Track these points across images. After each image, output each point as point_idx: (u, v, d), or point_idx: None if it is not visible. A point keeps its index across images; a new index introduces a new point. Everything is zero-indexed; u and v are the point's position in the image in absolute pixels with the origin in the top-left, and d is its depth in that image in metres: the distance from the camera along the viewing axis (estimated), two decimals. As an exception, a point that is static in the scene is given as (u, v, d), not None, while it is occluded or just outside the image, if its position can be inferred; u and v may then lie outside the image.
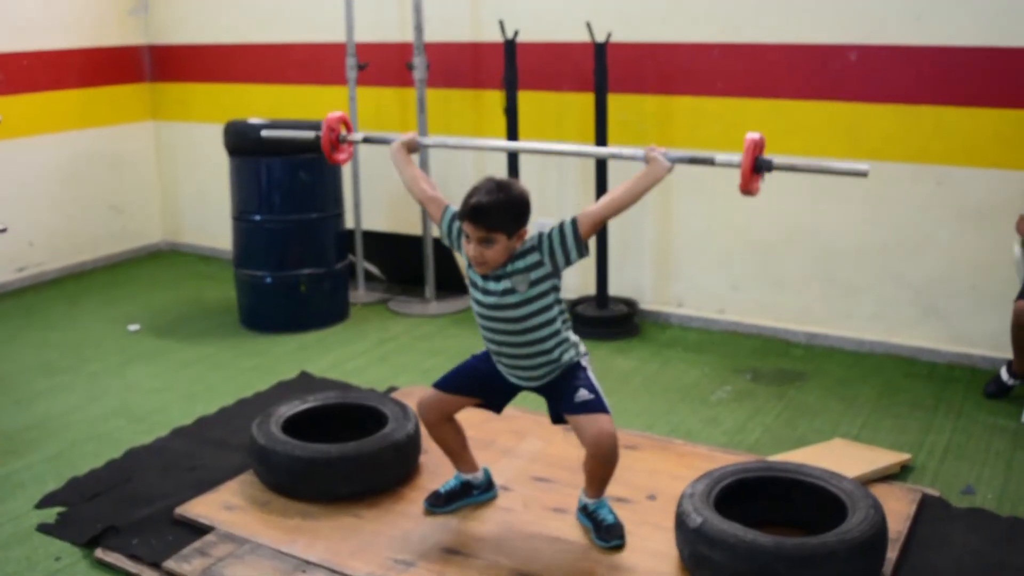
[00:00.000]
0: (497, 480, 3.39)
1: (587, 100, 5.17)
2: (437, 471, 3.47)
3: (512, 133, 5.26)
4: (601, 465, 2.98)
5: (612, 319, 5.21)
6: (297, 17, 6.29)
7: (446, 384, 3.15)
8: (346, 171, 5.71)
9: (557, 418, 3.08)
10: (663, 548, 2.99)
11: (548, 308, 2.92)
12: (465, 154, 5.82)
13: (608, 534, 3.03)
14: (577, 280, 5.59)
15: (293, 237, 5.29)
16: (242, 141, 5.22)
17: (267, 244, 5.30)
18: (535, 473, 3.50)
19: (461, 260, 2.99)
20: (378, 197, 6.14)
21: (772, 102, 4.91)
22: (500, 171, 5.48)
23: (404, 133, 3.28)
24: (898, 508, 3.19)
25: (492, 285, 2.91)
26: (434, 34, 5.65)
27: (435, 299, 5.74)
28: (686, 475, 3.29)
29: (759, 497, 3.05)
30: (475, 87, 5.71)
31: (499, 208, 2.79)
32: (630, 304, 5.36)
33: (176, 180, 7.15)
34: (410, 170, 3.19)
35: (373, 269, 6.21)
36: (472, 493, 3.30)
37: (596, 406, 2.95)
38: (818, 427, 4.04)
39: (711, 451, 3.70)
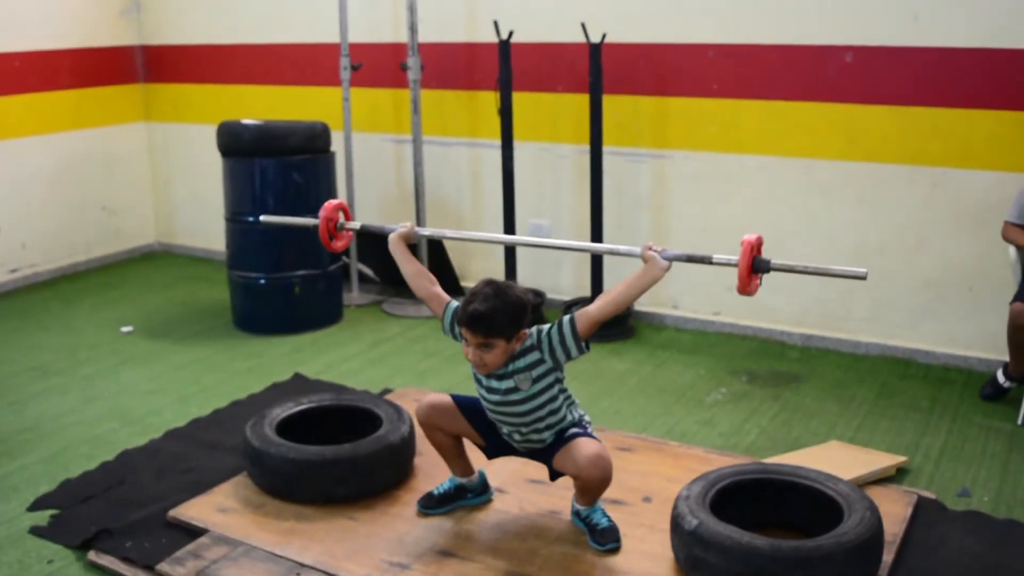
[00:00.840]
0: (492, 482, 3.37)
1: (582, 101, 5.17)
2: (432, 473, 3.46)
3: (507, 134, 5.25)
4: (594, 487, 3.01)
5: (607, 321, 5.19)
6: (291, 17, 6.28)
7: (464, 404, 3.15)
8: (340, 172, 5.69)
9: (555, 474, 3.09)
10: (659, 550, 2.98)
11: (553, 399, 2.97)
12: (460, 157, 5.81)
13: (603, 537, 3.02)
14: (572, 281, 5.59)
15: (287, 238, 5.27)
16: (235, 142, 5.21)
17: (261, 245, 5.28)
18: (529, 475, 3.48)
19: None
20: (372, 198, 6.13)
21: (768, 103, 4.91)
22: (495, 174, 5.47)
23: (402, 225, 3.26)
24: (894, 510, 3.18)
25: (495, 384, 2.95)
26: (428, 34, 5.64)
27: (430, 301, 5.72)
28: (682, 477, 3.28)
29: (755, 499, 3.04)
30: (469, 88, 5.70)
31: (496, 315, 2.82)
32: (625, 306, 5.34)
33: (169, 181, 7.13)
34: (410, 266, 3.19)
35: (367, 271, 6.20)
36: (466, 496, 3.29)
37: (582, 434, 3.00)
38: (814, 429, 4.04)
39: (707, 453, 3.69)
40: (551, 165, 5.53)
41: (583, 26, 4.95)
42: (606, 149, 5.16)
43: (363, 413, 3.61)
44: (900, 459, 3.61)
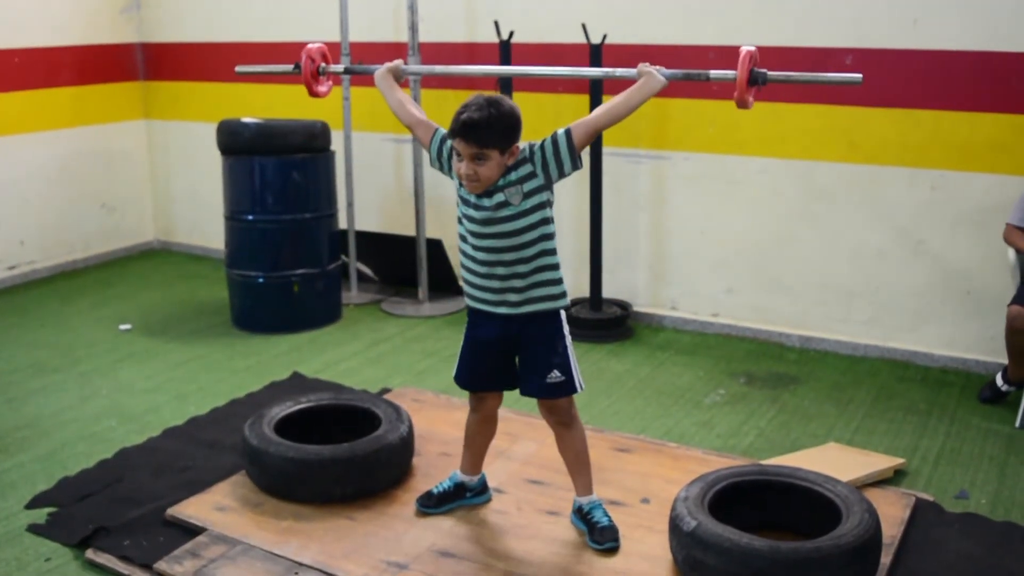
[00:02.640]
0: (491, 482, 3.37)
1: (582, 101, 5.16)
2: (430, 472, 3.46)
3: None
4: (571, 451, 3.04)
5: (606, 321, 5.20)
6: (291, 16, 6.28)
7: (466, 382, 3.12)
8: (339, 171, 5.69)
9: (526, 391, 3.03)
10: (657, 552, 2.98)
11: (545, 222, 2.86)
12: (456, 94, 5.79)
13: (602, 536, 3.02)
14: (571, 282, 5.57)
15: (286, 237, 5.27)
16: (235, 140, 5.20)
17: (260, 244, 5.28)
18: (528, 475, 3.49)
19: (453, 252, 2.96)
20: (371, 197, 6.13)
21: (768, 105, 4.90)
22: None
23: (388, 62, 3.19)
24: (892, 512, 3.19)
25: (485, 201, 2.83)
26: (429, 34, 5.64)
27: (428, 300, 5.73)
28: (680, 479, 3.28)
29: (753, 501, 3.04)
30: (470, 88, 5.68)
31: (491, 123, 2.72)
32: (624, 307, 5.35)
33: (168, 179, 7.13)
34: (396, 94, 3.12)
35: (366, 270, 6.20)
36: (465, 496, 3.28)
37: (562, 389, 2.95)
38: (812, 431, 4.04)
39: (705, 455, 3.69)
40: (553, 103, 5.47)
41: (583, 27, 4.95)
42: (605, 150, 5.16)
43: (362, 412, 3.61)
44: (898, 461, 3.61)
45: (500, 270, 2.88)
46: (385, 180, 6.15)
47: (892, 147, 4.68)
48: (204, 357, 4.95)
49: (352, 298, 5.86)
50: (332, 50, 5.76)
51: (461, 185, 2.86)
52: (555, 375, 2.94)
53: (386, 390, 4.40)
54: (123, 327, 5.42)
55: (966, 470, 3.68)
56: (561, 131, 2.82)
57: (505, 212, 2.82)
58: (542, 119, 5.48)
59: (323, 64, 3.32)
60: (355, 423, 3.56)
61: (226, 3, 6.54)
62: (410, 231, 5.80)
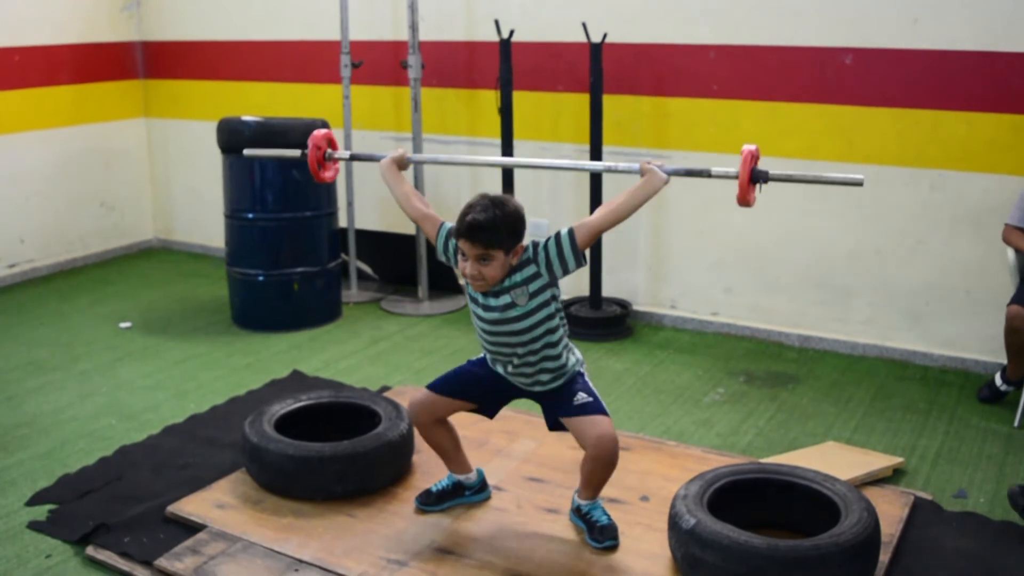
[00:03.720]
0: (490, 480, 3.38)
1: (582, 100, 5.17)
2: (430, 470, 3.46)
3: (507, 133, 5.26)
4: (601, 468, 2.98)
5: (605, 320, 5.21)
6: (291, 14, 6.28)
7: (440, 387, 3.13)
8: (339, 169, 5.69)
9: (554, 424, 3.06)
10: (656, 549, 2.98)
11: (551, 317, 2.92)
12: (459, 149, 5.81)
13: (602, 535, 3.02)
14: (570, 281, 5.58)
15: (286, 235, 5.28)
16: (235, 139, 5.20)
17: (260, 242, 5.28)
18: (528, 473, 3.50)
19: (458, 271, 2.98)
20: (371, 196, 6.13)
21: (767, 104, 4.92)
22: (495, 173, 5.48)
23: (393, 151, 3.24)
24: (891, 511, 3.20)
25: (492, 301, 2.91)
26: (429, 33, 5.64)
27: (428, 299, 5.73)
28: (679, 477, 3.29)
29: (752, 499, 3.05)
30: (470, 87, 5.70)
31: (496, 225, 2.76)
32: (623, 305, 5.36)
33: (168, 177, 7.13)
34: (401, 187, 3.16)
35: (366, 268, 6.20)
36: (464, 494, 3.29)
37: (595, 408, 2.96)
38: (811, 430, 4.04)
39: (704, 453, 3.70)
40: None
41: (584, 26, 4.95)
42: (606, 149, 5.16)
43: (362, 410, 3.61)
44: (897, 460, 3.62)
45: (514, 360, 2.98)
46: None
47: (891, 147, 4.68)
48: (204, 355, 4.96)
49: (352, 296, 5.87)
50: (332, 48, 5.81)
51: (468, 284, 2.93)
52: (581, 397, 2.97)
53: (386, 388, 4.41)
54: (123, 325, 5.42)
55: (965, 469, 3.69)
56: (564, 231, 2.86)
57: (513, 313, 2.89)
58: (541, 118, 5.49)
59: (329, 151, 3.39)
60: (355, 421, 3.57)
61: (226, 1, 6.54)
62: (410, 230, 5.81)
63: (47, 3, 6.31)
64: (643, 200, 2.84)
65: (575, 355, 3.05)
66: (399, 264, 5.97)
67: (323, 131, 3.39)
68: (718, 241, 5.19)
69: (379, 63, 5.89)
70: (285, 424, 3.51)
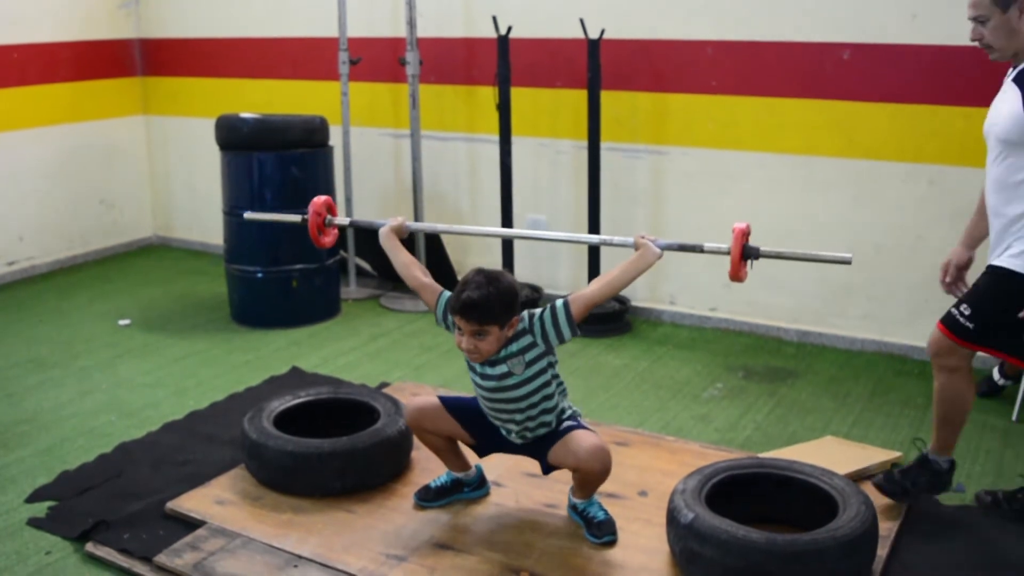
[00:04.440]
0: (489, 476, 3.38)
1: (580, 97, 5.17)
2: (429, 466, 3.47)
3: (505, 129, 5.26)
4: (595, 479, 3.01)
5: (604, 316, 5.21)
6: (290, 11, 6.28)
7: (452, 405, 3.16)
8: (338, 167, 5.70)
9: (548, 469, 3.09)
10: (654, 544, 2.99)
11: (547, 384, 2.97)
12: (458, 152, 5.82)
13: (600, 530, 3.03)
14: (569, 277, 5.60)
15: (285, 232, 5.26)
16: (233, 136, 5.21)
17: (258, 239, 5.28)
18: (526, 469, 3.49)
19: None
20: (370, 192, 6.13)
21: (766, 100, 4.92)
22: (493, 169, 5.48)
23: (392, 219, 3.27)
24: (888, 506, 3.20)
25: (489, 370, 2.95)
26: (427, 29, 5.64)
27: (427, 295, 5.73)
28: (677, 472, 3.29)
29: (751, 494, 3.05)
30: (468, 83, 5.70)
31: (490, 302, 2.82)
32: (622, 301, 5.36)
33: (167, 174, 7.13)
34: (401, 256, 3.19)
35: (365, 265, 6.20)
36: (463, 490, 3.30)
37: (577, 427, 3.01)
38: (810, 425, 4.05)
39: (703, 448, 3.70)
40: (549, 160, 5.54)
41: (582, 22, 4.95)
42: (604, 145, 5.17)
43: (361, 406, 3.62)
44: (895, 454, 3.63)
45: (513, 426, 3.04)
46: (384, 175, 6.16)
47: (890, 142, 4.68)
48: (203, 352, 4.96)
49: (351, 293, 5.87)
50: (330, 45, 5.81)
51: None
52: (565, 425, 3.03)
53: (385, 384, 4.41)
54: (122, 322, 5.43)
55: (963, 464, 3.68)
56: (559, 303, 2.91)
57: (510, 381, 2.94)
58: (540, 114, 5.49)
59: (329, 217, 3.41)
60: (354, 417, 3.58)
61: (224, -1, 6.55)
62: (409, 226, 5.80)
63: (45, 1, 6.31)
64: (637, 274, 2.94)
65: (571, 410, 3.09)
66: (398, 261, 5.96)
67: (323, 197, 3.41)
68: (717, 237, 5.17)
69: (377, 60, 5.89)
70: (284, 421, 3.51)
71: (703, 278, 5.26)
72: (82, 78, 6.61)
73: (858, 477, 3.40)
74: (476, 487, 3.32)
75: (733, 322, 5.23)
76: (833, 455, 3.54)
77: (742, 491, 3.03)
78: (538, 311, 2.95)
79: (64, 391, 4.45)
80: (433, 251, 5.70)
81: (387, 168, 6.14)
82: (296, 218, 3.43)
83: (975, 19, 2.96)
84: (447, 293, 3.03)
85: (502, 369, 2.94)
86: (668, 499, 2.93)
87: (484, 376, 2.98)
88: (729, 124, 5.03)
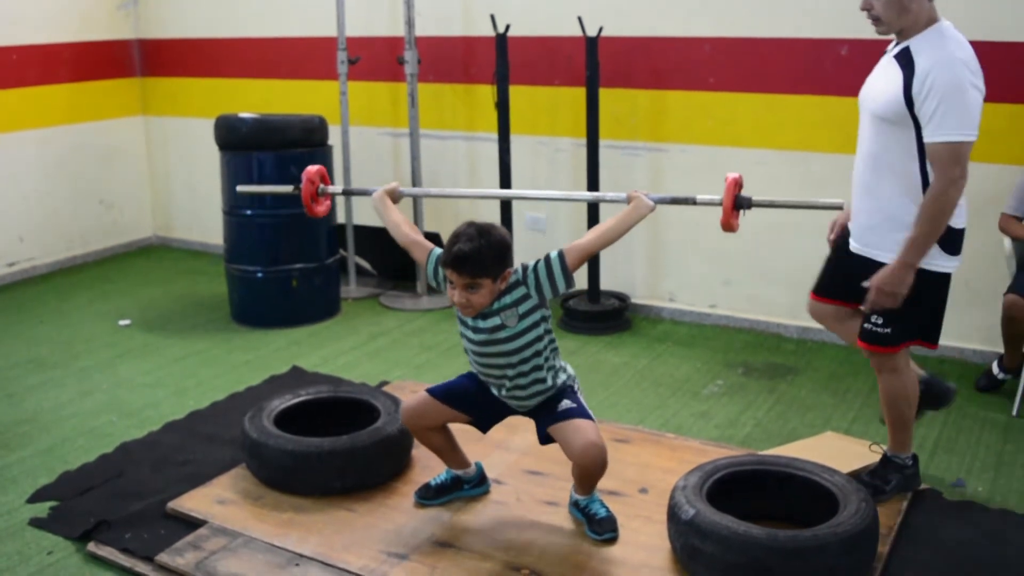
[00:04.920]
0: (489, 473, 3.39)
1: (579, 94, 5.17)
2: (429, 464, 3.47)
3: (503, 127, 5.26)
4: (591, 475, 3.02)
5: (604, 313, 5.22)
6: (288, 11, 6.28)
7: (440, 393, 3.15)
8: (337, 166, 5.70)
9: (545, 438, 3.07)
10: (655, 541, 2.99)
11: (539, 339, 2.95)
12: (457, 150, 5.82)
13: (601, 527, 3.03)
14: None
15: (284, 232, 5.28)
16: (233, 135, 5.21)
17: (258, 239, 5.29)
18: (527, 466, 3.50)
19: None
20: (370, 192, 6.13)
21: (764, 96, 4.92)
22: (492, 168, 5.48)
23: (386, 184, 3.27)
24: (889, 502, 3.20)
25: (481, 323, 2.93)
26: (425, 28, 5.64)
27: (426, 294, 5.74)
28: (678, 469, 3.30)
29: (751, 491, 3.06)
30: (467, 81, 5.71)
31: (482, 254, 2.80)
32: (622, 298, 5.36)
33: (167, 174, 7.14)
34: (392, 216, 3.19)
35: (364, 264, 6.21)
36: (463, 487, 3.30)
37: (578, 413, 2.97)
38: (810, 421, 4.05)
39: (703, 445, 3.71)
40: (548, 159, 5.54)
41: (580, 20, 4.96)
42: (603, 142, 5.17)
43: (361, 405, 3.62)
44: (895, 450, 3.63)
45: (506, 383, 3.00)
46: (383, 174, 6.15)
47: (888, 138, 4.68)
48: (203, 352, 4.96)
49: (351, 292, 5.87)
50: (329, 45, 5.81)
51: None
52: (565, 403, 3.00)
53: (385, 383, 4.41)
54: (122, 323, 5.43)
55: (963, 458, 3.70)
56: (554, 254, 2.90)
57: (502, 334, 2.91)
58: (538, 112, 5.50)
59: (322, 185, 3.41)
60: (354, 416, 3.58)
61: (223, -2, 6.55)
62: (408, 225, 5.80)
63: (45, 1, 6.31)
64: (630, 225, 2.96)
65: (567, 372, 3.08)
66: (397, 260, 5.96)
67: (316, 167, 3.41)
68: (715, 233, 5.16)
69: (376, 59, 5.89)
70: (285, 420, 3.51)
71: (702, 275, 5.26)
72: (81, 79, 6.62)
73: (858, 474, 3.40)
74: (476, 484, 3.32)
75: (733, 319, 5.23)
76: (833, 451, 3.53)
77: (743, 488, 3.04)
78: (532, 262, 2.92)
79: (65, 391, 4.46)
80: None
81: (386, 167, 6.14)
82: (289, 188, 3.43)
83: None
84: (438, 250, 3.00)
85: (495, 321, 2.90)
86: (669, 496, 2.93)
87: (476, 330, 2.94)
88: (728, 121, 5.03)
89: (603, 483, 3.14)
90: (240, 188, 3.76)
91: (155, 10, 6.85)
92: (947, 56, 2.86)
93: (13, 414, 4.21)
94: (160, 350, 5.00)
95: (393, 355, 4.89)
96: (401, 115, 5.90)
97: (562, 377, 3.05)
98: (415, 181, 5.60)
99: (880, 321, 3.08)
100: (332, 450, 3.28)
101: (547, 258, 2.90)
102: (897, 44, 3.04)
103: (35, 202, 6.40)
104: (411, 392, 4.11)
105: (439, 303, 5.63)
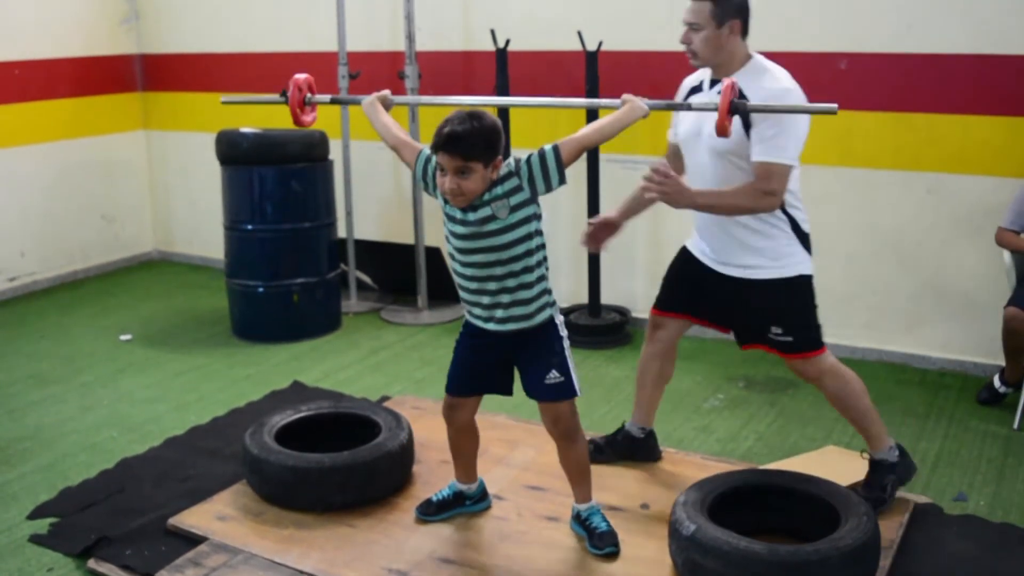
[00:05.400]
0: (490, 489, 3.38)
1: (578, 115, 5.18)
2: (430, 480, 3.47)
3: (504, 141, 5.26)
4: (570, 470, 3.07)
5: (604, 327, 5.22)
6: (289, 26, 6.30)
7: (451, 388, 3.14)
8: (338, 180, 5.71)
9: (528, 390, 3.03)
10: (657, 556, 2.99)
11: (529, 237, 2.84)
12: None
13: (602, 541, 3.03)
14: (570, 288, 5.60)
15: (285, 246, 5.29)
16: (234, 150, 5.22)
17: (259, 253, 5.30)
18: (528, 482, 3.50)
19: (438, 201, 2.93)
20: (370, 206, 6.15)
21: (763, 110, 4.92)
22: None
23: (378, 92, 3.24)
24: (891, 515, 3.20)
25: (471, 215, 2.82)
26: (426, 43, 5.66)
27: (427, 308, 5.74)
28: (679, 484, 3.30)
29: (753, 505, 3.05)
30: (467, 95, 5.71)
31: (474, 136, 2.72)
32: (622, 312, 5.37)
33: (168, 189, 7.15)
34: (382, 118, 3.16)
35: (365, 278, 6.21)
36: (464, 503, 3.30)
37: (562, 390, 2.96)
38: (811, 435, 4.05)
39: (704, 459, 3.70)
40: (549, 120, 5.50)
41: (579, 34, 4.97)
42: (603, 156, 5.18)
43: (362, 420, 3.62)
44: (896, 464, 3.62)
45: (491, 285, 2.89)
46: (383, 189, 6.17)
47: (887, 150, 4.69)
48: (204, 367, 4.97)
49: (351, 306, 5.88)
50: (330, 59, 5.83)
51: (446, 202, 2.87)
52: (553, 375, 2.95)
53: (386, 398, 4.41)
54: (123, 337, 5.44)
55: (964, 472, 3.69)
56: (548, 147, 2.83)
57: (492, 226, 2.81)
58: (538, 126, 5.50)
59: (309, 94, 3.38)
60: (355, 431, 3.57)
61: (224, 14, 6.56)
62: (409, 239, 5.82)
63: (47, 17, 6.34)
64: (624, 125, 2.89)
65: (552, 302, 2.98)
66: (398, 274, 5.98)
67: (303, 75, 3.33)
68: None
69: (377, 73, 5.90)
70: (286, 435, 3.51)
71: (703, 288, 5.26)
72: (83, 94, 6.64)
73: (856, 488, 3.40)
74: (477, 500, 3.31)
75: (734, 332, 5.22)
76: (835, 465, 3.53)
77: (744, 503, 3.03)
78: (525, 155, 2.85)
79: (66, 407, 4.46)
80: (433, 263, 5.71)
81: (387, 181, 6.15)
82: (275, 96, 3.35)
83: (690, 24, 3.08)
84: (427, 149, 2.93)
85: (485, 212, 2.79)
86: (670, 511, 2.93)
87: (464, 223, 2.82)
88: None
89: (604, 498, 3.14)
90: (224, 99, 3.68)
91: (157, 25, 6.87)
92: (775, 86, 3.12)
93: (14, 430, 4.21)
94: (161, 365, 5.00)
95: (394, 369, 4.89)
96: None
97: (548, 308, 2.95)
98: (415, 195, 5.62)
99: (780, 331, 3.19)
100: (333, 466, 3.27)
101: (542, 150, 2.82)
102: (715, 80, 3.17)
103: (36, 217, 6.42)
104: (412, 407, 4.13)
105: (440, 317, 5.64)
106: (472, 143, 2.73)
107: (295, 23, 6.26)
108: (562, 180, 2.84)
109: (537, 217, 2.87)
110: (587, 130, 2.90)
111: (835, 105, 2.89)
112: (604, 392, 4.54)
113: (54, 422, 4.29)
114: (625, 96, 2.92)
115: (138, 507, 3.42)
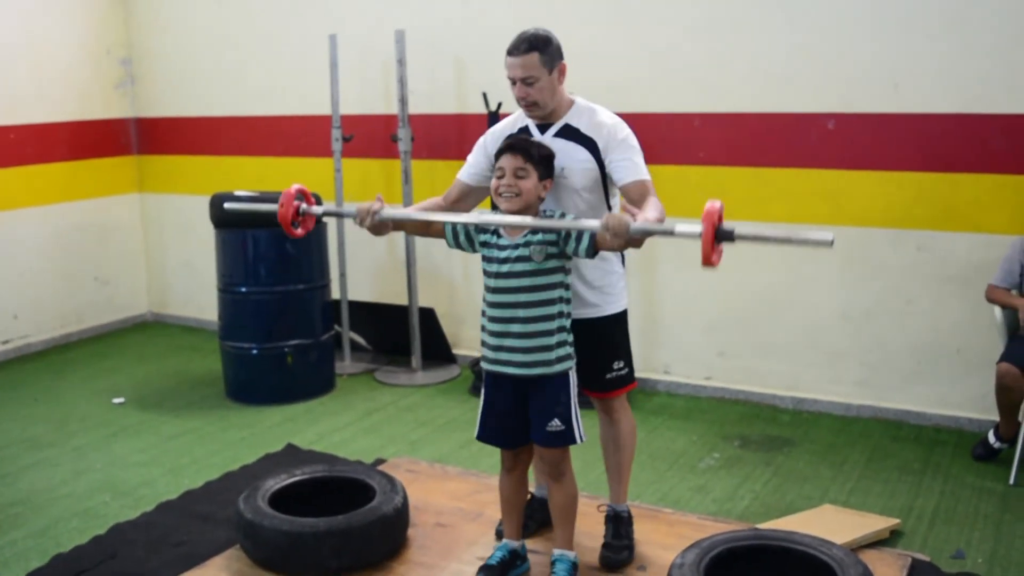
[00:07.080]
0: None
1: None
2: (425, 544, 3.45)
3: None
4: (551, 493, 3.13)
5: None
6: (283, 90, 6.37)
7: (482, 434, 3.15)
8: (331, 241, 5.74)
9: (533, 436, 3.10)
10: (654, 619, 2.96)
11: (555, 286, 2.99)
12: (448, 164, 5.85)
13: None
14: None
15: (279, 308, 5.30)
16: (228, 213, 5.23)
17: (253, 315, 5.30)
18: (530, 546, 3.47)
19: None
20: (364, 267, 6.17)
21: (754, 170, 4.98)
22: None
23: (361, 210, 3.21)
24: (888, 574, 3.18)
25: (509, 251, 2.98)
26: (418, 106, 5.72)
27: (421, 369, 5.74)
28: (675, 544, 3.27)
29: (750, 566, 3.03)
30: (460, 158, 5.67)
31: (534, 145, 2.99)
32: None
33: (162, 252, 7.17)
34: (410, 224, 3.34)
35: (359, 339, 6.21)
36: (517, 564, 3.24)
37: (563, 438, 3.03)
38: (807, 493, 4.04)
39: (700, 520, 3.68)
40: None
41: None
42: (595, 216, 5.20)
43: (356, 484, 3.60)
44: (893, 521, 3.62)
45: (514, 326, 2.99)
46: (377, 250, 6.19)
47: (877, 209, 4.74)
48: (198, 430, 4.95)
49: (346, 368, 5.87)
50: (323, 123, 5.88)
51: (484, 245, 3.04)
52: (555, 424, 3.02)
53: (380, 460, 4.39)
54: (116, 400, 5.42)
55: (962, 529, 3.68)
56: (587, 234, 2.89)
57: (524, 267, 2.97)
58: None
59: (304, 205, 3.33)
60: (350, 494, 3.55)
61: (218, 78, 6.63)
62: (402, 300, 5.83)
63: (42, 81, 6.40)
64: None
65: (570, 353, 3.06)
66: (392, 335, 5.99)
67: (295, 187, 3.30)
68: (709, 305, 5.22)
69: (370, 136, 5.96)
70: (280, 499, 3.49)
71: (697, 346, 5.28)
72: (78, 157, 6.68)
73: (857, 546, 3.39)
74: (524, 560, 3.27)
75: (728, 390, 5.23)
76: (831, 524, 3.52)
77: (741, 563, 3.01)
78: (569, 215, 3.08)
79: (59, 471, 4.43)
80: (427, 324, 5.72)
81: (380, 243, 6.18)
82: (274, 208, 3.29)
83: (525, 80, 3.13)
84: (450, 227, 3.13)
85: (522, 251, 2.97)
86: (667, 573, 2.91)
87: (500, 247, 3.00)
88: (717, 194, 4.98)
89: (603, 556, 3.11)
90: (228, 205, 3.71)
91: (152, 89, 6.94)
92: (610, 119, 3.27)
93: (7, 495, 4.18)
94: (154, 428, 4.98)
95: (388, 431, 4.87)
96: (395, 191, 5.94)
97: (568, 360, 3.04)
98: (409, 257, 5.64)
99: (620, 364, 3.28)
100: (327, 530, 3.25)
101: (581, 230, 2.90)
102: (546, 125, 3.23)
103: (30, 279, 6.43)
104: (407, 471, 4.11)
105: (434, 379, 5.63)
106: (529, 151, 2.98)
107: (289, 87, 6.33)
108: (589, 256, 2.96)
109: (566, 271, 3.03)
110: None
111: (831, 236, 2.60)
112: (600, 452, 4.51)
113: (47, 486, 4.26)
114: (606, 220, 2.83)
115: (131, 573, 3.39)
